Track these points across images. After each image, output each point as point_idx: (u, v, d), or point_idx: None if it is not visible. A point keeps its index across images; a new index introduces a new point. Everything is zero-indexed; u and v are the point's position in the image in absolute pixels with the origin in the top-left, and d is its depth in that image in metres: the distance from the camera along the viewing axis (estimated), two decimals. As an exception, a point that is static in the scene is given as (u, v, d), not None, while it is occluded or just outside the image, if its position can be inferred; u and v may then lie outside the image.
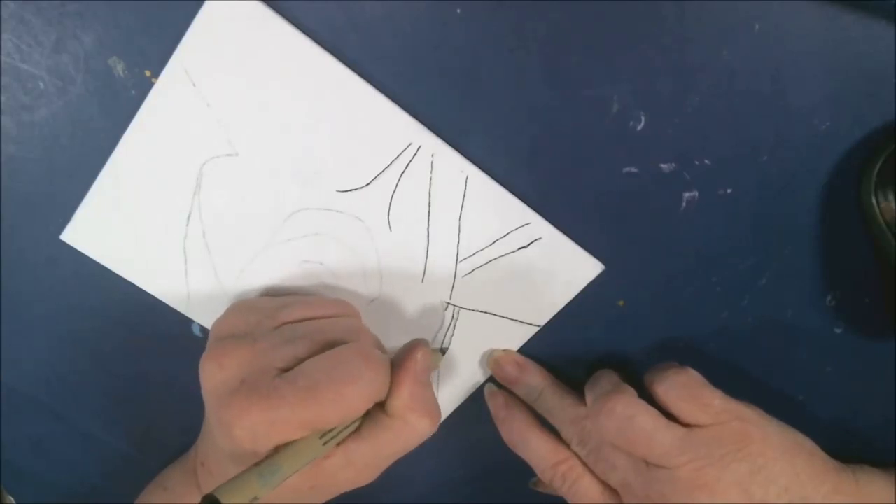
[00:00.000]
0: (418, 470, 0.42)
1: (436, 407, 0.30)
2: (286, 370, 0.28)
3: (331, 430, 0.27)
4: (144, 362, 0.37)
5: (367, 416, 0.29)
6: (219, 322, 0.31)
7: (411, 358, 0.30)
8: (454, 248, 0.34)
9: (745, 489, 0.30)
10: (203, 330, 0.36)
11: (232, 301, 0.35)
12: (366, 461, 0.29)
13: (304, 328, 0.30)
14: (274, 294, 0.35)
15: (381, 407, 0.29)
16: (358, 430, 0.29)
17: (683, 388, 0.32)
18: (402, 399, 0.29)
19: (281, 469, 0.25)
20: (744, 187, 0.33)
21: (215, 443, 0.29)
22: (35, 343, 0.36)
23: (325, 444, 0.27)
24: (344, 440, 0.29)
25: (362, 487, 0.31)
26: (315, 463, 0.28)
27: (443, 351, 0.37)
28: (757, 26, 0.30)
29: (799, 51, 0.30)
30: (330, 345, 0.29)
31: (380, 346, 0.33)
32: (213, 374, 0.28)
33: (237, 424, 0.26)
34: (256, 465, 0.25)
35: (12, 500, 0.41)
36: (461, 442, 0.41)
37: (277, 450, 0.27)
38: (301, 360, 0.28)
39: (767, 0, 0.29)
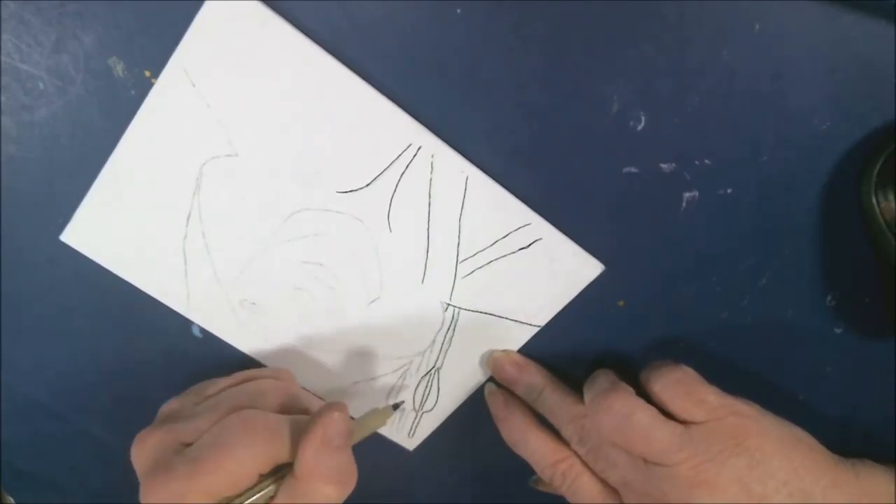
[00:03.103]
0: (418, 470, 0.42)
1: (346, 473, 0.30)
2: (190, 444, 0.29)
3: (239, 496, 0.28)
4: (144, 362, 0.37)
5: (285, 478, 0.30)
6: (161, 409, 0.33)
7: (319, 422, 0.29)
8: (454, 249, 0.34)
9: (744, 485, 0.31)
10: (203, 331, 0.36)
11: (230, 301, 0.35)
12: None
13: (212, 400, 0.31)
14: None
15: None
16: (275, 495, 0.30)
17: (679, 384, 0.32)
18: (304, 462, 0.29)
19: None
20: (744, 187, 0.33)
21: None
22: (35, 343, 0.36)
23: None
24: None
25: (359, 491, 0.31)
26: None
27: (395, 406, 0.37)
28: (757, 26, 0.30)
29: (799, 51, 0.30)
30: (227, 413, 0.30)
31: (298, 405, 0.33)
32: (135, 455, 0.30)
33: (147, 501, 0.28)
34: None
35: (12, 500, 0.41)
36: (461, 442, 0.41)
37: None
38: (203, 433, 0.29)
39: (767, 0, 0.29)
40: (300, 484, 0.29)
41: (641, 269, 0.35)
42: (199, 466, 0.28)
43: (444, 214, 0.33)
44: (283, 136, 0.31)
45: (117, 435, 0.39)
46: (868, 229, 0.33)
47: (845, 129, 0.32)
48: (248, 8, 0.29)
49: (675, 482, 0.31)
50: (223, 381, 0.33)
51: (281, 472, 0.30)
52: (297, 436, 0.30)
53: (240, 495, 0.29)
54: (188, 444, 0.29)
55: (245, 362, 0.37)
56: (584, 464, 0.35)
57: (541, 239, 0.34)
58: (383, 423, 0.37)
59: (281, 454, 0.29)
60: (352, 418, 0.32)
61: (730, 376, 0.34)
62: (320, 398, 0.38)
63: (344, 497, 0.30)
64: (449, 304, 0.36)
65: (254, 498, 0.29)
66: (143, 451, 0.30)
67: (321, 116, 0.31)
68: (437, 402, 0.39)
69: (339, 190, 0.33)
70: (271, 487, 0.29)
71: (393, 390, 0.39)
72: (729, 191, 0.33)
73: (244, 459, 0.28)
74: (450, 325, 0.37)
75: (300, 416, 0.32)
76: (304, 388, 0.36)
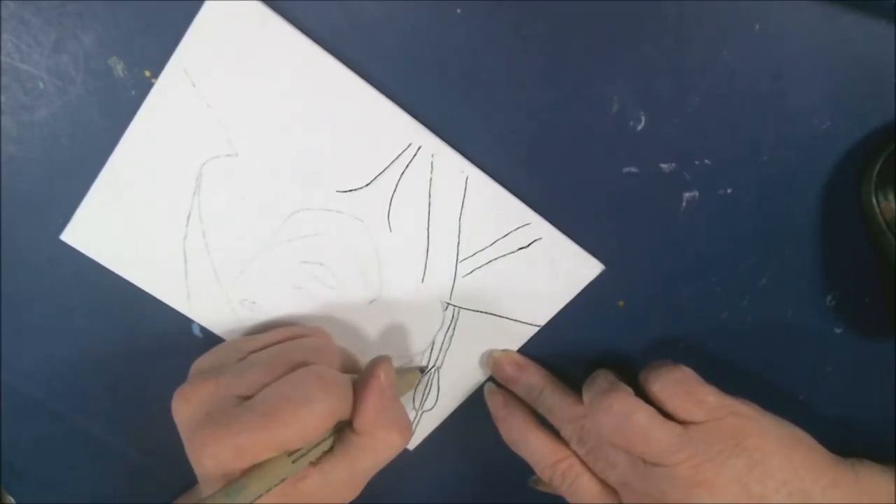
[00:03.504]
0: (418, 470, 0.42)
1: (404, 420, 0.31)
2: (249, 397, 0.29)
3: (298, 451, 0.28)
4: (144, 362, 0.37)
5: (339, 434, 0.30)
6: (195, 363, 0.33)
7: (374, 375, 0.30)
8: (454, 249, 0.34)
9: (743, 485, 0.31)
10: (203, 330, 0.36)
11: (230, 301, 0.35)
12: (341, 479, 0.30)
13: (265, 354, 0.31)
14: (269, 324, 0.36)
15: (351, 425, 0.30)
16: (331, 449, 0.30)
17: (678, 385, 0.32)
18: (368, 416, 0.30)
19: (247, 488, 0.26)
20: (744, 187, 0.33)
21: (200, 482, 0.30)
22: (35, 343, 0.36)
23: (294, 462, 0.28)
24: (319, 459, 0.29)
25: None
26: (292, 484, 0.29)
27: (421, 370, 0.37)
28: (757, 26, 0.30)
29: (799, 51, 0.30)
30: (291, 368, 0.30)
31: (350, 364, 0.34)
32: (181, 410, 0.30)
33: (204, 454, 0.28)
34: (224, 486, 0.26)
35: (12, 500, 0.41)
36: (461, 442, 0.41)
37: (247, 472, 0.27)
38: (263, 386, 0.29)
39: (767, 0, 0.29)
40: (363, 437, 0.30)
41: (641, 269, 0.35)
42: (271, 418, 0.27)
43: (444, 214, 0.33)
44: (283, 136, 0.31)
45: (117, 435, 0.39)
46: (868, 229, 0.33)
47: (845, 129, 0.32)
48: (248, 8, 0.29)
49: (674, 482, 0.31)
50: (263, 338, 0.33)
51: (337, 427, 0.30)
52: (354, 393, 0.30)
53: (302, 450, 0.28)
54: (245, 398, 0.29)
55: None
56: (584, 464, 0.35)
57: (541, 239, 0.34)
58: (412, 386, 0.37)
59: (347, 411, 0.30)
60: None
61: (730, 376, 0.34)
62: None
63: (405, 444, 0.31)
64: (449, 304, 0.36)
65: (314, 450, 0.29)
66: (191, 404, 0.29)
67: (321, 116, 0.31)
68: (436, 401, 0.39)
69: (339, 189, 0.33)
70: (328, 440, 0.30)
71: (393, 390, 0.39)
72: (729, 191, 0.33)
73: (322, 414, 0.28)
74: (450, 325, 0.37)
75: (352, 375, 0.32)
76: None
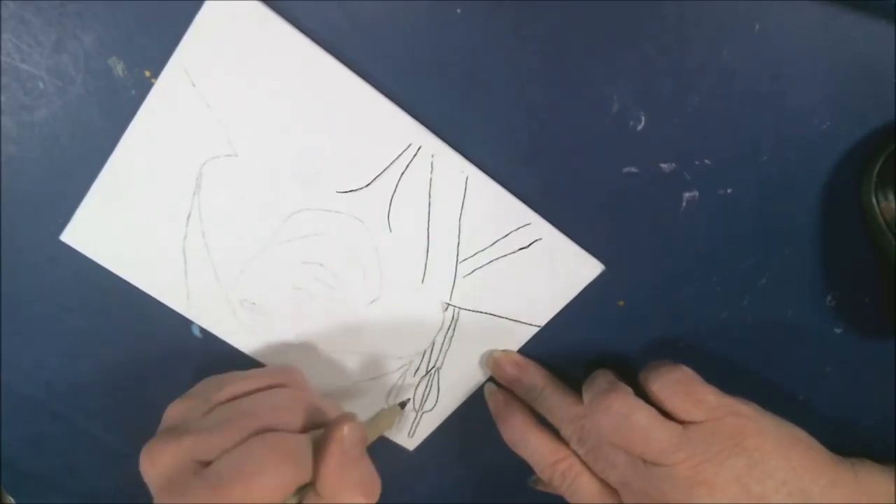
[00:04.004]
0: (418, 470, 0.42)
1: (369, 481, 0.30)
2: (210, 462, 0.28)
3: None
4: (144, 362, 0.37)
5: (304, 495, 0.29)
6: (167, 411, 0.32)
7: (334, 436, 0.29)
8: (454, 249, 0.34)
9: (743, 485, 0.30)
10: (203, 330, 0.36)
11: (230, 301, 0.35)
12: None
13: (228, 411, 0.30)
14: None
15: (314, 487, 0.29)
16: None
17: (677, 384, 0.32)
18: (329, 480, 0.29)
19: None
20: (744, 187, 0.33)
21: None
22: (35, 343, 0.36)
23: None
24: None
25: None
26: None
27: (402, 404, 0.37)
28: (757, 26, 0.30)
29: (799, 51, 0.30)
30: (248, 433, 0.29)
31: (318, 416, 0.32)
32: (147, 471, 0.29)
33: None
34: None
35: (12, 500, 0.41)
36: (461, 442, 0.41)
37: None
38: (223, 450, 0.28)
39: (767, 0, 0.29)
40: (326, 501, 0.29)
41: (641, 269, 0.35)
42: (222, 491, 0.27)
43: (444, 214, 0.33)
44: (283, 136, 0.31)
45: (117, 435, 0.39)
46: (868, 229, 0.33)
47: (845, 129, 0.32)
48: (248, 8, 0.29)
49: (674, 482, 0.31)
50: (232, 387, 0.32)
51: (301, 491, 0.29)
52: (316, 453, 0.29)
53: None
54: (205, 462, 0.28)
55: (245, 362, 0.37)
56: (584, 464, 0.35)
57: (541, 239, 0.34)
58: (392, 424, 0.36)
59: (305, 476, 0.29)
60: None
61: (730, 376, 0.34)
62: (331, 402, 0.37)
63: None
64: (449, 304, 0.36)
65: None
66: (155, 467, 0.29)
67: (321, 116, 0.31)
68: (437, 401, 0.39)
69: (339, 190, 0.33)
70: (293, 500, 0.29)
71: (393, 390, 0.39)
72: (729, 191, 0.33)
73: (273, 486, 0.27)
74: (450, 325, 0.37)
75: (318, 431, 0.31)
76: (314, 390, 0.35)
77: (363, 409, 0.37)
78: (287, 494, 0.28)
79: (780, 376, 0.38)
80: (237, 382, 0.32)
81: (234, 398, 0.31)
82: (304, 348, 0.37)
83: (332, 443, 0.29)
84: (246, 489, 0.27)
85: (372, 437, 0.34)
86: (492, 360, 0.37)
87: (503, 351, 0.37)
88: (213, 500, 0.27)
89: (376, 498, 0.30)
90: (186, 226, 0.33)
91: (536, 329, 0.37)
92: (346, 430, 0.29)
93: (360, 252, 0.34)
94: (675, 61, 0.30)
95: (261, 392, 0.31)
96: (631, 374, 0.36)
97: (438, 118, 0.31)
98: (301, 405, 0.31)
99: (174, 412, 0.32)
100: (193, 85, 0.30)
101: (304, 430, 0.31)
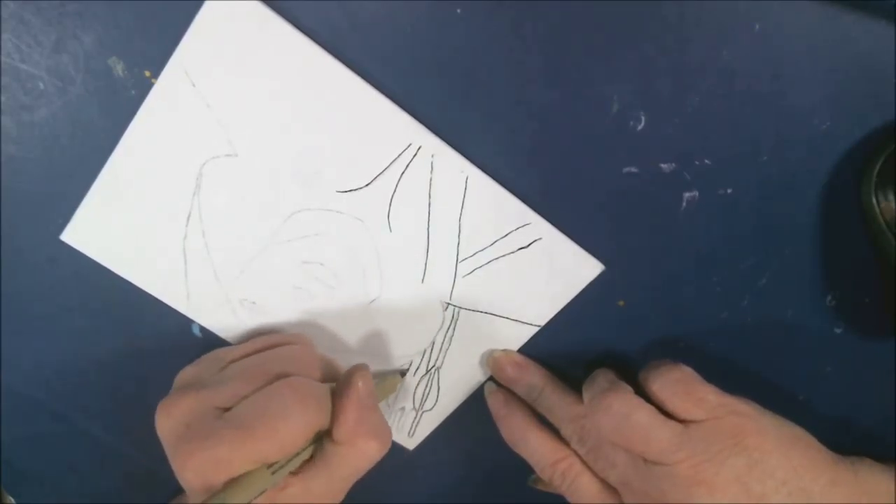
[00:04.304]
0: (418, 470, 0.42)
1: (383, 428, 0.31)
2: (228, 409, 0.29)
3: (277, 462, 0.29)
4: (144, 362, 0.37)
5: (319, 443, 0.30)
6: (178, 375, 0.33)
7: (351, 384, 0.31)
8: (454, 249, 0.34)
9: (743, 484, 0.31)
10: (203, 330, 0.36)
11: (230, 301, 0.35)
12: (322, 488, 0.30)
13: (244, 364, 0.31)
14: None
15: (330, 434, 0.30)
16: (311, 458, 0.30)
17: (678, 384, 0.32)
18: (346, 425, 0.30)
19: (228, 500, 0.27)
20: (744, 187, 0.33)
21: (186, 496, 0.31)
22: (35, 343, 0.36)
23: (273, 473, 0.28)
24: (299, 469, 0.30)
25: (359, 491, 0.31)
26: (273, 494, 0.29)
27: (402, 373, 0.37)
28: (757, 26, 0.30)
29: (799, 51, 0.30)
30: (268, 379, 0.30)
31: (330, 372, 0.34)
32: (163, 424, 0.30)
33: (185, 467, 0.28)
34: (205, 499, 0.27)
35: (12, 500, 0.41)
36: (461, 442, 0.41)
37: (227, 485, 0.28)
38: (242, 398, 0.29)
39: (767, 0, 0.29)
40: (342, 447, 0.30)
41: (641, 269, 0.35)
42: (249, 432, 0.27)
43: (444, 214, 0.33)
44: (283, 136, 0.31)
45: (117, 435, 0.39)
46: (868, 229, 0.33)
47: (845, 129, 0.32)
48: (248, 8, 0.29)
49: (674, 481, 0.31)
50: (243, 347, 0.33)
51: (316, 436, 0.30)
52: (332, 402, 0.30)
53: (281, 461, 0.29)
54: (224, 409, 0.29)
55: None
56: (584, 463, 0.35)
57: (541, 239, 0.34)
58: (392, 391, 0.37)
59: (326, 422, 0.30)
60: None
61: (730, 376, 0.34)
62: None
63: (385, 451, 0.31)
64: (449, 304, 0.36)
65: (293, 460, 0.29)
66: (173, 418, 0.29)
67: (321, 116, 0.31)
68: (437, 401, 0.39)
69: (339, 190, 0.33)
70: (308, 450, 0.30)
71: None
72: (729, 191, 0.33)
73: (298, 427, 0.28)
74: (450, 325, 0.37)
75: (331, 384, 0.32)
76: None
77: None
78: (309, 438, 0.29)
79: (780, 376, 0.38)
80: (249, 344, 0.33)
81: (247, 356, 0.32)
82: (304, 348, 0.37)
83: (349, 390, 0.30)
84: (272, 429, 0.28)
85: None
86: (492, 360, 0.37)
87: (503, 351, 0.37)
88: (238, 440, 0.27)
89: (388, 445, 0.31)
90: (186, 226, 0.33)
91: (536, 329, 0.37)
92: (360, 379, 0.31)
93: (360, 252, 0.34)
94: (675, 61, 0.30)
95: (277, 347, 0.32)
96: (631, 373, 0.36)
97: (438, 118, 0.31)
98: (314, 359, 0.33)
99: (185, 375, 0.32)
100: (193, 85, 0.30)
101: (320, 381, 0.32)
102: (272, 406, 0.28)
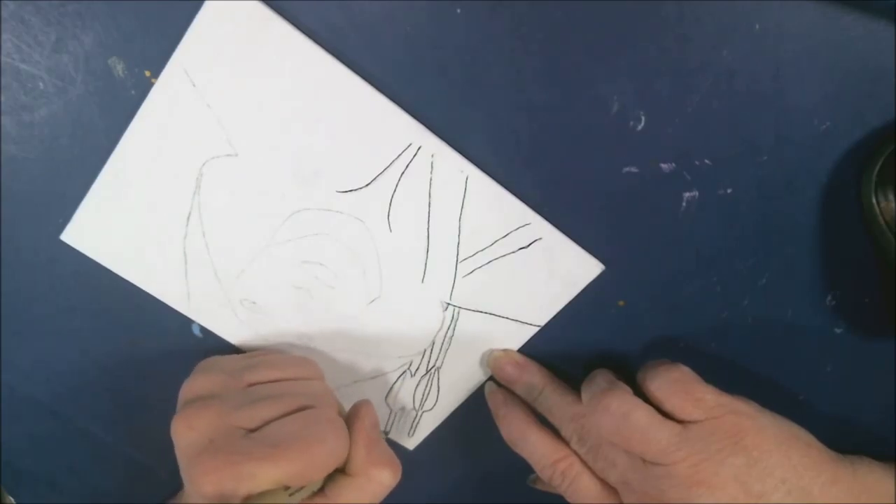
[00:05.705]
0: (418, 470, 0.42)
1: (393, 458, 0.32)
2: (253, 430, 0.30)
3: (292, 487, 0.29)
4: (144, 362, 0.37)
5: (329, 478, 0.31)
6: (187, 384, 0.33)
7: (361, 417, 0.32)
8: (454, 249, 0.34)
9: (742, 483, 0.31)
10: (203, 330, 0.36)
11: (231, 301, 0.35)
12: None
13: (270, 389, 0.32)
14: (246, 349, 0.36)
15: (339, 469, 0.31)
16: (322, 490, 0.31)
17: (676, 384, 0.32)
18: (360, 457, 0.31)
19: None
20: (744, 187, 0.33)
21: (190, 499, 0.31)
22: (35, 343, 0.36)
23: (290, 495, 0.29)
24: (311, 499, 0.30)
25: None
26: None
27: (385, 433, 0.39)
28: (757, 26, 0.30)
29: (799, 51, 0.30)
30: (297, 408, 0.31)
31: (338, 402, 0.34)
32: (184, 435, 0.30)
33: (206, 480, 0.28)
34: None
35: (12, 500, 0.41)
36: (461, 442, 0.41)
37: (246, 500, 0.28)
38: (267, 421, 0.30)
39: (767, 0, 0.29)
40: (357, 479, 0.31)
41: (641, 269, 0.35)
42: (281, 452, 0.28)
43: (444, 214, 0.33)
44: (283, 135, 0.31)
45: (117, 435, 0.39)
46: (868, 229, 0.33)
47: (845, 129, 0.32)
48: (248, 8, 0.29)
49: (673, 481, 0.31)
50: (266, 371, 0.33)
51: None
52: None
53: (293, 488, 0.29)
54: (248, 430, 0.29)
55: (245, 362, 0.37)
56: (584, 463, 0.35)
57: (541, 239, 0.34)
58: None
59: (345, 454, 0.31)
60: None
61: (730, 376, 0.34)
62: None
63: (397, 480, 0.32)
64: (449, 304, 0.36)
65: (305, 489, 0.30)
66: (195, 430, 0.30)
67: (321, 116, 0.31)
68: (437, 401, 0.39)
69: (339, 189, 0.33)
70: (319, 482, 0.31)
71: (393, 389, 0.39)
72: (729, 191, 0.33)
73: (330, 454, 0.30)
74: (450, 325, 0.37)
75: None
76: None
77: (363, 408, 0.37)
78: (335, 466, 0.30)
79: (780, 376, 0.38)
80: (269, 368, 0.33)
81: (269, 379, 0.33)
82: (304, 348, 0.37)
83: (358, 423, 0.32)
84: (306, 452, 0.28)
85: None
86: (492, 360, 0.37)
87: (503, 350, 0.37)
88: (270, 458, 0.28)
89: (399, 474, 0.32)
90: (186, 226, 0.33)
91: (536, 329, 0.37)
92: (367, 414, 0.32)
93: (360, 252, 0.34)
94: (675, 61, 0.30)
95: (294, 381, 0.33)
96: (630, 373, 0.36)
97: (438, 118, 0.31)
98: (333, 398, 0.34)
99: (198, 385, 0.32)
100: (193, 85, 0.30)
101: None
102: (308, 430, 0.29)
